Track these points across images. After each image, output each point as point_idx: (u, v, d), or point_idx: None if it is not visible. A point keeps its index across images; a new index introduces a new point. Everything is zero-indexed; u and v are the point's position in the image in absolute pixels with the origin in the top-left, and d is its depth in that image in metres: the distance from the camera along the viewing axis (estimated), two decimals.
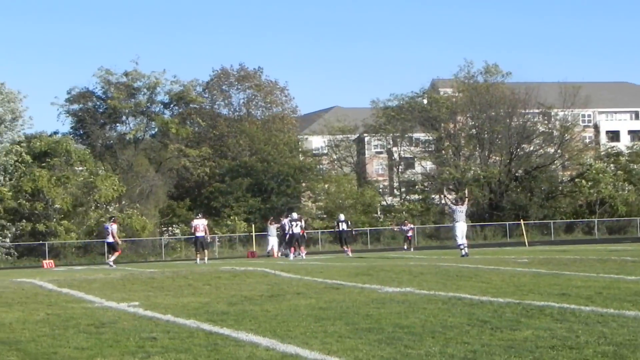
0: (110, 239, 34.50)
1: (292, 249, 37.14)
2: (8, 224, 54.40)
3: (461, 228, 29.06)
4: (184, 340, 9.01)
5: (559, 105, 71.36)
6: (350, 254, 36.80)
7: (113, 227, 34.45)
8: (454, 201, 38.98)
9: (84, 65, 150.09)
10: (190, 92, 68.59)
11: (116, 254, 34.61)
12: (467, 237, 29.76)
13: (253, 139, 69.48)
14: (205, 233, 35.37)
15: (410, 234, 45.94)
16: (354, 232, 39.75)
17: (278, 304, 12.77)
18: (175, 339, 9.12)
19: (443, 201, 72.57)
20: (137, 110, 67.20)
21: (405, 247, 44.28)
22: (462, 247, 28.42)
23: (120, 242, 37.01)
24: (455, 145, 71.27)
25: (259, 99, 76.41)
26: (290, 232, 37.26)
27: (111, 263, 33.35)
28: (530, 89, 69.57)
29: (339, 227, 39.82)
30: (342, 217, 41.21)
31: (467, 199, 33.53)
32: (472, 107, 70.09)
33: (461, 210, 29.56)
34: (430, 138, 73.31)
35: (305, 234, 39.27)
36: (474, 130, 71.30)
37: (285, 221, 38.54)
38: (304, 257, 35.68)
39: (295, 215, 39.41)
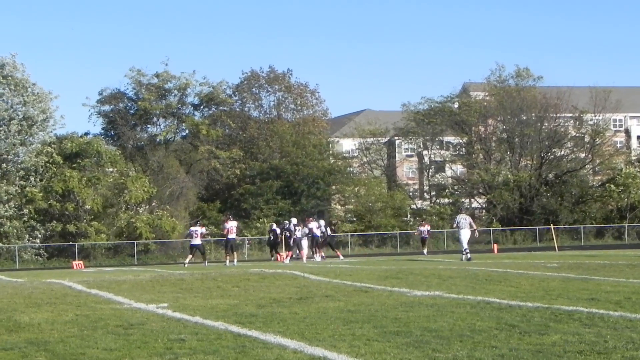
0: (196, 242, 35.74)
1: (318, 251, 37.70)
2: (38, 224, 54.82)
3: (465, 235, 30.70)
4: (212, 342, 9.01)
5: (590, 109, 70.93)
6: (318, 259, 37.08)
7: (202, 230, 36.58)
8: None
9: (115, 66, 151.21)
10: (219, 94, 68.84)
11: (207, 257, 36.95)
12: (496, 241, 31.38)
13: (283, 141, 69.58)
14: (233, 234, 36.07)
15: (426, 235, 45.56)
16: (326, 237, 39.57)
17: (306, 306, 12.76)
18: (203, 341, 9.12)
19: (473, 204, 72.36)
20: (167, 112, 67.53)
21: (425, 251, 43.96)
22: (466, 251, 30.18)
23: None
24: (485, 149, 70.97)
25: (289, 101, 76.56)
26: (294, 236, 37.99)
27: (227, 263, 34.78)
28: (562, 93, 69.20)
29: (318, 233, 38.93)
30: (322, 222, 40.68)
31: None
32: (503, 110, 69.76)
33: (464, 218, 31.31)
34: (461, 141, 73.06)
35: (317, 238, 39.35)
36: (504, 134, 70.95)
37: (291, 225, 38.93)
38: (305, 261, 35.90)
39: (294, 220, 39.80)
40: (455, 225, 32.30)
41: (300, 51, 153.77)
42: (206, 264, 35.28)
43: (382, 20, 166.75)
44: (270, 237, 42.22)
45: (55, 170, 55.38)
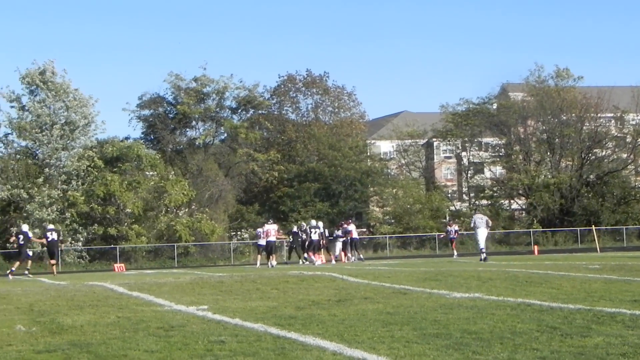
0: (263, 241, 37.42)
1: (315, 254, 38.45)
2: (80, 228, 55.37)
3: (482, 234, 31.69)
4: (252, 344, 9.05)
5: (631, 109, 70.16)
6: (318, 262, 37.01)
7: (274, 227, 37.95)
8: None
9: (154, 71, 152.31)
10: (255, 97, 69.11)
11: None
12: (537, 243, 31.78)
13: (320, 144, 69.67)
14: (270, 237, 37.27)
15: (454, 236, 45.10)
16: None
17: (345, 308, 12.77)
18: (243, 343, 9.17)
19: (513, 206, 71.92)
20: (206, 115, 67.90)
21: (455, 253, 43.69)
22: (482, 251, 31.31)
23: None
24: (525, 150, 70.46)
25: (327, 104, 76.66)
26: (310, 238, 38.40)
27: (302, 261, 37.50)
28: (602, 93, 68.51)
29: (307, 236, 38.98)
30: (319, 223, 40.39)
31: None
32: (543, 111, 69.24)
33: (481, 218, 32.39)
34: (500, 143, 72.64)
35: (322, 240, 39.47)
36: (544, 134, 70.43)
37: (307, 227, 39.25)
38: (318, 264, 36.30)
39: (313, 222, 39.97)
40: (472, 225, 32.96)
41: (337, 54, 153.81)
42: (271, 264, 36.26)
43: (420, 21, 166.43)
44: (291, 239, 42.24)
45: (96, 174, 55.91)
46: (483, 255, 30.99)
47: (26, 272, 33.03)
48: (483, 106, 72.47)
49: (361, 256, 41.50)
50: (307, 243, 38.73)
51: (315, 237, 38.32)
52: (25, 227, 34.92)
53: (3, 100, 56.90)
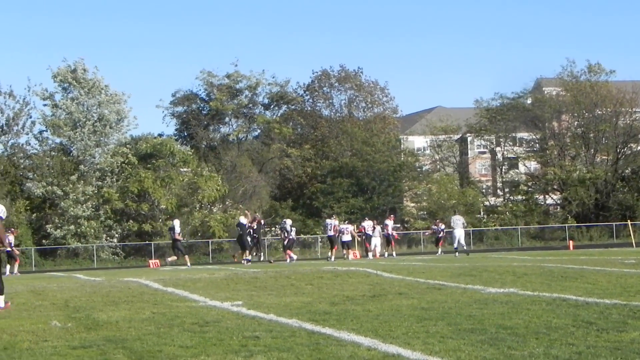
0: (347, 238, 39.25)
1: (348, 250, 39.73)
2: (115, 224, 55.76)
3: (459, 233, 36.60)
4: (286, 340, 9.06)
5: None
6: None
7: (334, 222, 39.44)
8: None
9: (187, 68, 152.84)
10: (287, 92, 69.26)
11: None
12: (572, 238, 33.22)
13: (354, 139, 69.62)
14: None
15: (441, 235, 44.16)
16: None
17: (380, 304, 12.74)
18: (277, 338, 9.17)
19: (548, 201, 71.46)
20: (239, 112, 68.15)
21: (439, 251, 43.04)
22: (456, 250, 36.24)
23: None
24: (560, 145, 69.94)
25: (360, 99, 76.55)
26: (288, 237, 38.58)
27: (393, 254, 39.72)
28: (637, 87, 67.84)
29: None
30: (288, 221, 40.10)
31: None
32: (577, 106, 68.69)
33: (458, 219, 37.36)
34: (535, 138, 72.18)
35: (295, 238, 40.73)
36: (579, 129, 69.87)
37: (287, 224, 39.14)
38: (350, 258, 38.02)
39: (289, 221, 39.71)
40: (451, 225, 37.70)
41: (371, 49, 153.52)
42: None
43: (453, 16, 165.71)
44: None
45: (130, 171, 56.27)
46: (464, 249, 36.64)
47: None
48: (517, 101, 71.97)
49: (393, 253, 41.42)
50: (285, 241, 38.66)
51: (293, 235, 38.73)
52: None
53: (37, 98, 57.50)
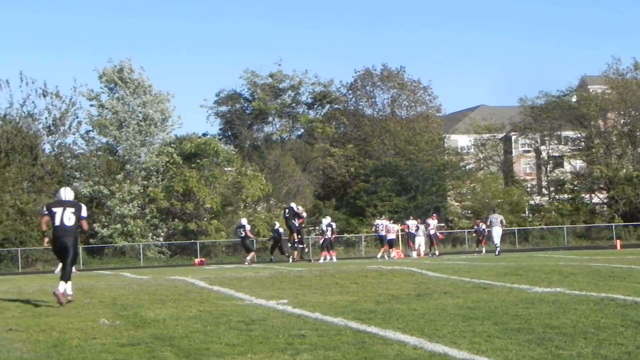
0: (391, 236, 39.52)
1: (392, 249, 39.38)
2: (161, 223, 56.23)
3: (497, 232, 37.28)
4: (332, 338, 9.07)
5: None
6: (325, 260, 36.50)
7: (384, 222, 39.65)
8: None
9: (230, 67, 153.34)
10: (330, 92, 69.36)
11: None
12: (619, 237, 33.04)
13: (397, 138, 69.49)
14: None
15: (483, 234, 43.14)
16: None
17: (425, 303, 12.71)
18: (323, 337, 9.19)
19: (594, 200, 70.72)
20: (282, 111, 68.37)
21: (479, 249, 42.67)
22: (497, 246, 36.75)
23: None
24: (605, 143, 69.20)
25: (403, 98, 76.40)
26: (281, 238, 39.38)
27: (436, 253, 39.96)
28: None
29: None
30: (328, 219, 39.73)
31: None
32: (623, 104, 67.90)
33: (496, 218, 37.94)
34: (580, 136, 71.47)
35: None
36: (625, 127, 69.05)
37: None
38: (392, 256, 38.18)
39: (325, 220, 39.25)
40: (488, 224, 38.35)
41: (414, 48, 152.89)
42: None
43: (496, 14, 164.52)
44: (274, 237, 41.23)
45: (175, 170, 56.71)
46: (497, 251, 36.40)
47: None
48: (562, 99, 71.26)
49: (436, 252, 41.24)
50: (321, 241, 38.63)
51: (329, 235, 37.78)
52: None
53: (83, 99, 58.16)
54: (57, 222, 14.62)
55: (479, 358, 7.57)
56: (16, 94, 66.91)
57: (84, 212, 15.00)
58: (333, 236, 38.55)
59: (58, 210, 14.69)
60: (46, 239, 14.89)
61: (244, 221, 39.55)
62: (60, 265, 22.83)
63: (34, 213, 51.06)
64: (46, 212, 14.93)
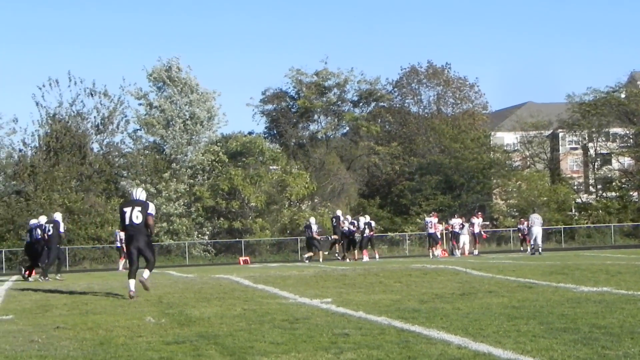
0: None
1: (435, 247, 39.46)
2: (206, 221, 56.58)
3: (538, 232, 37.07)
4: (376, 337, 9.06)
5: None
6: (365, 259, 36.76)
7: (432, 220, 39.73)
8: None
9: (276, 66, 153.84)
10: (376, 90, 69.25)
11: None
12: None
13: (442, 136, 69.21)
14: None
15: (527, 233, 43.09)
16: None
17: (469, 302, 12.65)
18: (367, 336, 9.19)
19: None
20: (327, 109, 68.41)
21: (524, 248, 42.28)
22: (539, 247, 36.60)
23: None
24: None
25: (449, 95, 76.07)
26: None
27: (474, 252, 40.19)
28: None
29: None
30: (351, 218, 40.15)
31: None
32: None
33: (537, 217, 37.94)
34: (629, 133, 70.60)
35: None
36: None
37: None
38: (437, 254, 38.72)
39: (363, 218, 39.10)
40: (530, 224, 38.08)
41: (460, 44, 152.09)
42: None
43: (543, 11, 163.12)
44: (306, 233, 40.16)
45: (220, 169, 57.03)
46: (540, 250, 36.43)
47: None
48: (611, 95, 70.38)
49: (475, 251, 40.99)
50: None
51: (367, 233, 37.70)
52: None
53: (131, 98, 58.74)
54: (127, 221, 15.64)
55: (524, 358, 7.52)
56: (65, 94, 67.69)
57: (151, 209, 15.90)
58: (372, 234, 38.30)
59: (127, 210, 15.71)
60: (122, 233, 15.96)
61: (312, 220, 39.63)
62: (122, 262, 23.40)
63: (82, 212, 51.66)
64: (119, 213, 16.17)
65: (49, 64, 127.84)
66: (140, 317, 11.84)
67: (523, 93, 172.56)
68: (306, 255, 37.77)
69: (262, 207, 56.44)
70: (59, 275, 26.12)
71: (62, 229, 25.63)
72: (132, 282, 15.55)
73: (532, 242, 37.68)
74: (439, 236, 40.54)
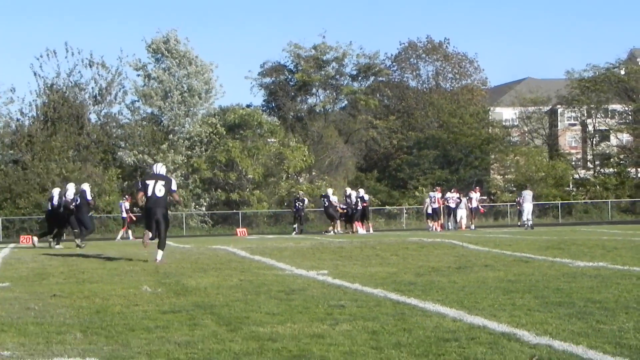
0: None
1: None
2: (203, 193, 56.63)
3: (528, 207, 39.02)
4: (372, 309, 9.09)
5: None
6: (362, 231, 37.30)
7: (434, 194, 40.37)
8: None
9: (275, 39, 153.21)
10: (375, 64, 69.12)
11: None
12: None
13: (441, 111, 69.15)
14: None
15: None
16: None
17: (465, 275, 12.69)
18: (362, 307, 9.22)
19: None
20: (326, 83, 68.29)
21: (521, 222, 42.31)
22: (528, 221, 38.44)
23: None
24: None
25: (448, 70, 75.92)
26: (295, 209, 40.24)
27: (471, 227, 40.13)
28: None
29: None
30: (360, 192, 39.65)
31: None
32: None
33: (528, 194, 39.64)
34: (628, 109, 70.53)
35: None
36: None
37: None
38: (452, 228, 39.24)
39: (355, 192, 39.04)
40: (521, 199, 40.06)
41: (459, 20, 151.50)
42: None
43: None
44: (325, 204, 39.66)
45: (218, 141, 57.01)
46: (530, 223, 38.26)
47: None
48: (611, 71, 70.20)
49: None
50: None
51: (360, 206, 38.00)
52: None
53: (130, 69, 58.59)
54: (149, 193, 16.59)
55: (519, 331, 7.54)
56: (63, 64, 67.42)
57: (174, 186, 17.24)
58: (364, 205, 38.39)
59: (150, 183, 16.68)
60: (141, 195, 16.76)
61: (329, 191, 40.06)
62: (121, 232, 23.78)
63: (79, 181, 51.62)
64: (140, 187, 17.05)
65: (46, 34, 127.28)
66: (136, 286, 11.87)
67: (523, 69, 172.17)
68: (332, 228, 37.89)
69: (260, 180, 56.46)
70: (60, 245, 26.23)
71: (89, 197, 25.87)
72: (148, 234, 16.81)
73: (524, 218, 39.22)
74: (440, 211, 40.69)
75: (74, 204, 25.47)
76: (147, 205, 16.72)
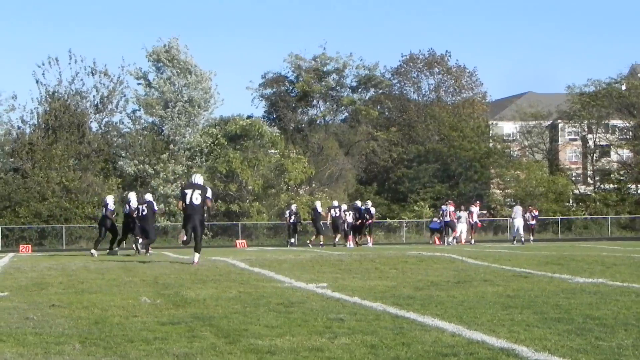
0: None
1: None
2: None
3: (519, 223, 39.98)
4: (371, 323, 9.08)
5: None
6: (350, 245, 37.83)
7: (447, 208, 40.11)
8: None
9: (275, 50, 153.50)
10: (375, 76, 69.21)
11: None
12: None
13: (441, 124, 69.20)
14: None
15: (534, 222, 44.23)
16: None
17: (464, 290, 12.68)
18: (361, 321, 9.20)
19: None
20: (326, 94, 68.40)
21: (526, 238, 42.49)
22: (520, 236, 39.75)
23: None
24: None
25: (448, 84, 76.03)
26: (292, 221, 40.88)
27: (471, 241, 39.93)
28: None
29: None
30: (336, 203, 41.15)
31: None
32: None
33: (519, 209, 41.05)
34: (628, 125, 70.58)
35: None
36: None
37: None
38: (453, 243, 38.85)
39: (344, 206, 40.37)
40: (513, 215, 40.83)
41: (460, 34, 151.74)
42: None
43: (545, 1, 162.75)
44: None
45: (219, 151, 56.99)
46: (522, 240, 39.46)
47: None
48: (612, 87, 70.28)
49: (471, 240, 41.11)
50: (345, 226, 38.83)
51: (350, 220, 38.70)
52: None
53: (130, 78, 58.69)
54: (187, 201, 18.83)
55: (518, 347, 7.53)
56: (65, 72, 67.53)
57: (209, 194, 19.35)
58: (361, 222, 38.88)
59: (189, 192, 18.91)
60: (180, 203, 19.32)
61: (318, 204, 41.61)
62: (139, 240, 24.14)
63: (79, 190, 51.68)
64: (180, 196, 19.47)
65: (49, 42, 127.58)
66: (135, 297, 11.86)
67: (524, 83, 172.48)
68: (317, 241, 38.35)
69: (260, 191, 56.42)
70: (116, 248, 26.75)
71: (155, 208, 26.29)
72: (183, 235, 19.29)
73: (514, 233, 40.18)
74: (443, 225, 40.87)
75: (138, 213, 25.78)
76: (186, 212, 18.97)
